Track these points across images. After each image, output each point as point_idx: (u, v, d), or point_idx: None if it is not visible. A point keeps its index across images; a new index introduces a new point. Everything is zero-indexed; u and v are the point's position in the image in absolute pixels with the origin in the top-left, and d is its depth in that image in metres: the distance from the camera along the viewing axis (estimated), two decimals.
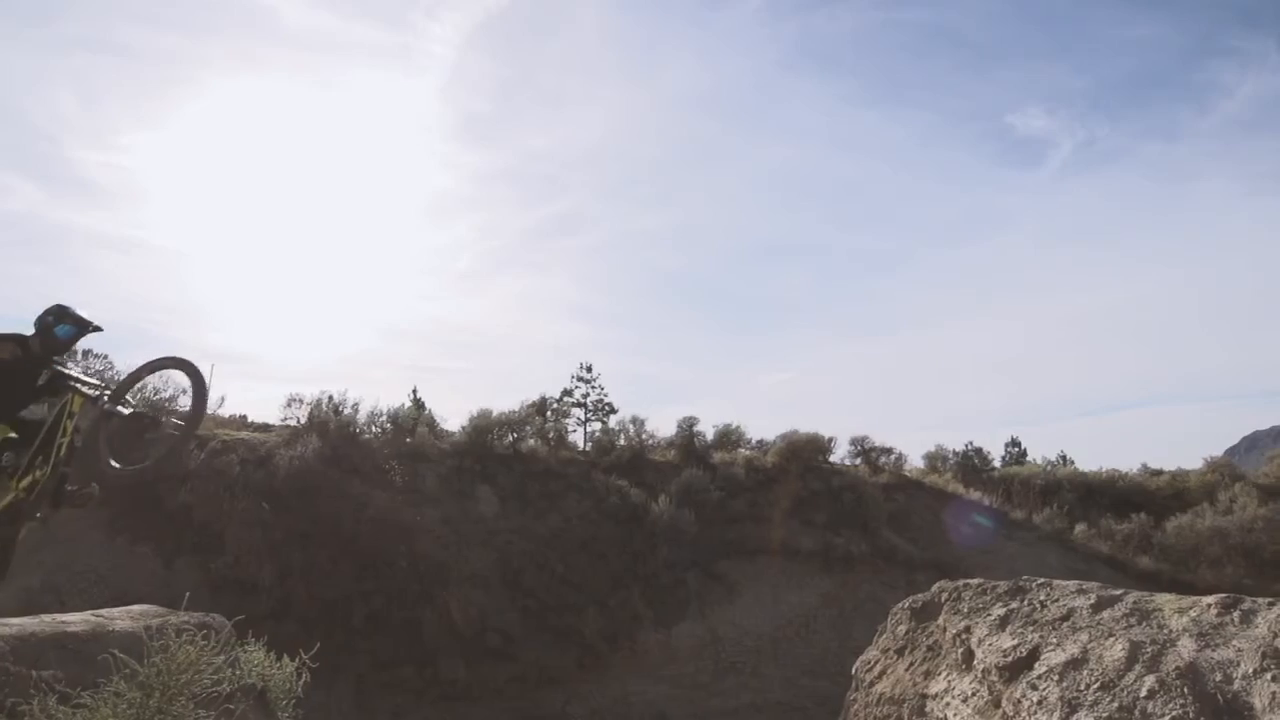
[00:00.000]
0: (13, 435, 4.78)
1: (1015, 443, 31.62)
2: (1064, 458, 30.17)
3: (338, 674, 12.91)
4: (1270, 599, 4.02)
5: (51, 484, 4.80)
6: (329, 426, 18.27)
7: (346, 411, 19.08)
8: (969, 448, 26.80)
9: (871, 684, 5.89)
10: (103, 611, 5.82)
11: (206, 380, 5.16)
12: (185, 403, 5.06)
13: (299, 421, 18.94)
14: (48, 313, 4.99)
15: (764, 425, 22.66)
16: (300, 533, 14.63)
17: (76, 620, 5.39)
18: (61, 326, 5.00)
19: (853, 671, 6.06)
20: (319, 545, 14.57)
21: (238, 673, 5.44)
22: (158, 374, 5.28)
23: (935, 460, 25.88)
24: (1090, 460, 32.81)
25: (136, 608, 6.02)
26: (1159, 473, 26.77)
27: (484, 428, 19.78)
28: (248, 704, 5.41)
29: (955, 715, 4.91)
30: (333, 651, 13.40)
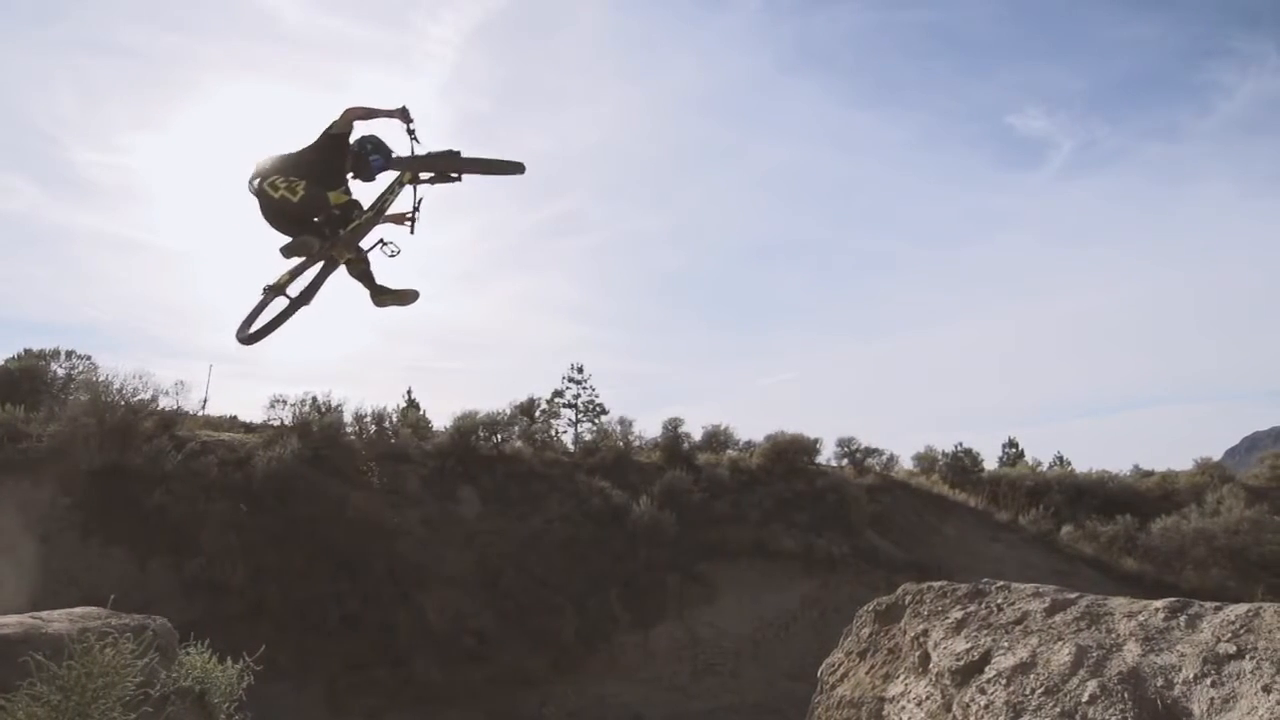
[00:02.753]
0: (353, 199, 5.59)
1: (1012, 443, 31.64)
2: (1061, 459, 30.20)
3: (310, 675, 12.86)
4: (1217, 603, 3.97)
5: (367, 228, 5.63)
6: (311, 427, 18.20)
7: (330, 412, 19.00)
8: (959, 449, 26.76)
9: (833, 687, 5.84)
10: (41, 614, 5.75)
11: (495, 168, 5.83)
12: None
13: (283, 422, 18.86)
14: (366, 140, 5.61)
15: (764, 426, 22.58)
16: (276, 534, 14.55)
17: (11, 622, 5.32)
18: (375, 157, 5.62)
19: (818, 674, 6.03)
20: (295, 547, 14.49)
21: (173, 675, 5.37)
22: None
23: (925, 461, 25.83)
24: (1091, 461, 32.94)
25: (78, 610, 5.94)
26: (1149, 474, 26.75)
27: (467, 429, 19.70)
28: (183, 707, 5.34)
29: (909, 719, 4.87)
30: (306, 653, 13.41)
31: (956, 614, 5.11)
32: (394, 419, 20.78)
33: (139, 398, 16.91)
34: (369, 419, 19.55)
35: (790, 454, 21.03)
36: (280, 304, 5.49)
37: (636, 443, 22.01)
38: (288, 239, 5.47)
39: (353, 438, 18.79)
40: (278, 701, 12.35)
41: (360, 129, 5.65)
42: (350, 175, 5.68)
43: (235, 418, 21.42)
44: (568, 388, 27.49)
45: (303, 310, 5.52)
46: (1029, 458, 29.69)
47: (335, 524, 15.19)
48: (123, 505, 14.20)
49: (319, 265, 5.55)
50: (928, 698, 4.82)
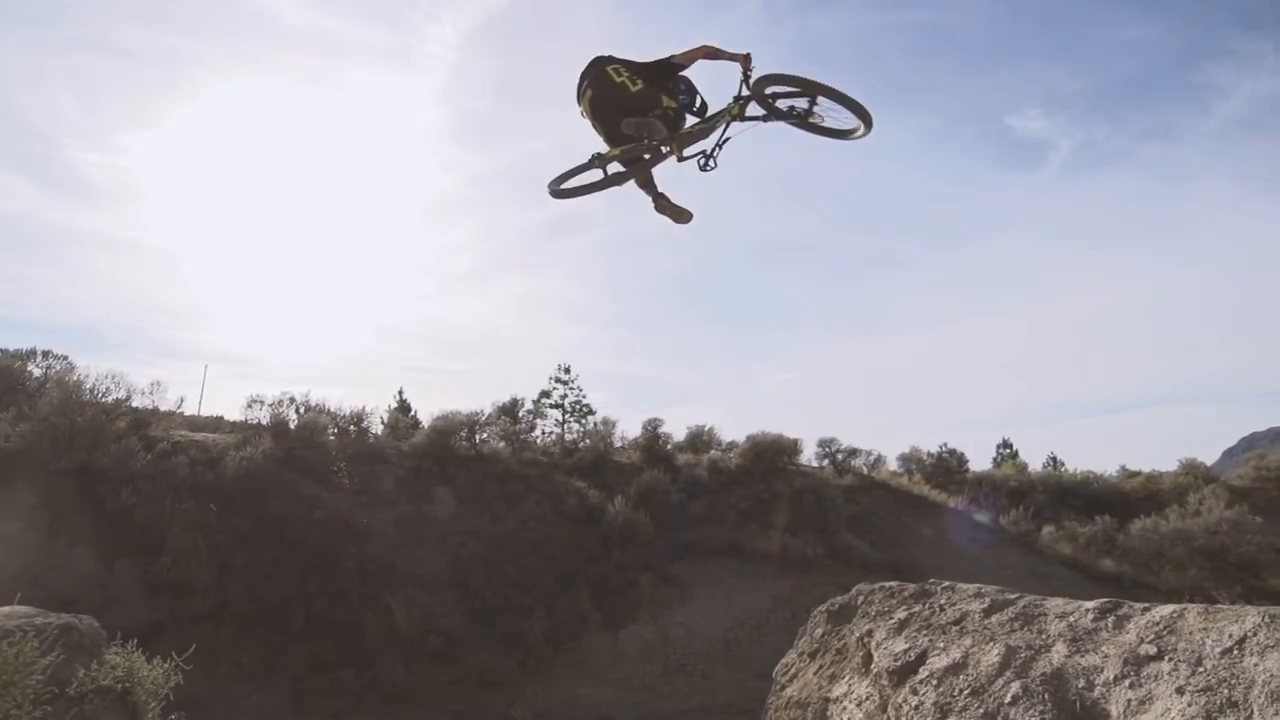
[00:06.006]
0: (679, 108, 5.82)
1: (1007, 444, 31.65)
2: (1054, 459, 30.16)
3: (274, 676, 12.76)
4: (1146, 604, 3.94)
5: (698, 138, 5.86)
6: (288, 427, 18.14)
7: (307, 412, 18.90)
8: (943, 449, 26.73)
9: (783, 687, 5.83)
10: None
11: (849, 105, 5.91)
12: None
13: (260, 422, 18.77)
14: (681, 79, 5.95)
15: (762, 426, 22.45)
16: (245, 534, 14.41)
17: None
18: (684, 97, 5.92)
19: (773, 674, 6.01)
20: (263, 547, 14.37)
21: (92, 674, 5.31)
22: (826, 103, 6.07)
23: (910, 462, 25.80)
24: (1090, 462, 32.87)
25: (4, 609, 5.89)
26: (1135, 474, 26.75)
27: (446, 430, 19.62)
28: (102, 705, 5.29)
29: (849, 719, 4.83)
30: (271, 653, 13.32)
31: (901, 614, 5.10)
32: (383, 419, 20.81)
33: (112, 398, 16.87)
34: (348, 419, 19.49)
35: (770, 455, 21.00)
36: (595, 175, 5.76)
37: (619, 443, 22.01)
38: (604, 131, 5.76)
39: (332, 438, 18.71)
40: (241, 702, 12.30)
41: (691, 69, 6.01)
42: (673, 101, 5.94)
43: (221, 418, 21.34)
44: (555, 388, 27.31)
45: (611, 190, 5.78)
46: (1023, 459, 29.69)
47: (305, 524, 15.07)
48: (89, 505, 14.08)
49: (648, 154, 5.75)
50: (867, 698, 4.81)
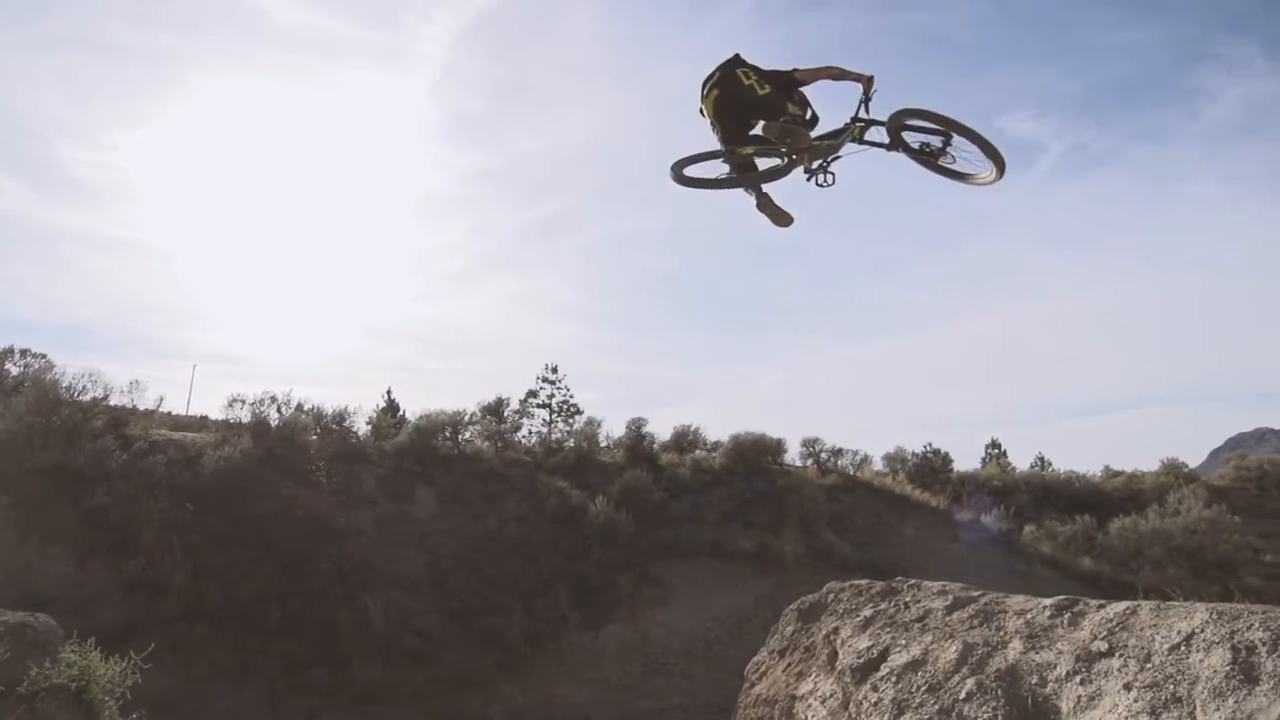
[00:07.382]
0: (798, 114, 5.66)
1: (995, 444, 31.80)
2: (1042, 459, 30.31)
3: (249, 675, 12.67)
4: (1102, 601, 3.94)
5: (825, 154, 5.73)
6: (268, 426, 18.01)
7: (289, 412, 18.77)
8: (928, 449, 26.80)
9: (753, 685, 5.84)
10: None
11: (983, 147, 5.65)
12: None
13: (240, 422, 18.63)
14: (798, 92, 5.81)
15: (754, 426, 22.44)
16: (221, 534, 14.31)
17: None
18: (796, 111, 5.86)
19: (745, 672, 6.02)
20: (240, 546, 14.26)
21: (45, 672, 5.27)
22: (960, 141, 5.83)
23: (894, 462, 25.84)
24: (1077, 462, 33.12)
25: None
26: (1117, 474, 26.93)
27: (428, 429, 19.54)
28: (55, 704, 5.24)
29: (814, 716, 4.83)
30: (246, 653, 13.24)
31: (867, 612, 5.10)
32: (369, 419, 20.72)
33: (89, 396, 16.73)
34: (330, 419, 19.36)
35: (753, 454, 20.99)
36: (720, 170, 5.71)
37: (604, 443, 21.97)
38: (722, 132, 5.69)
39: (314, 438, 18.58)
40: (215, 703, 12.22)
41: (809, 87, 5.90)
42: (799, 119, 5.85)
43: (205, 417, 21.19)
44: (542, 388, 27.31)
45: (731, 190, 5.77)
46: (1011, 459, 29.84)
47: (283, 524, 14.96)
48: (63, 505, 13.93)
49: (781, 161, 5.69)
50: (831, 695, 4.81)
